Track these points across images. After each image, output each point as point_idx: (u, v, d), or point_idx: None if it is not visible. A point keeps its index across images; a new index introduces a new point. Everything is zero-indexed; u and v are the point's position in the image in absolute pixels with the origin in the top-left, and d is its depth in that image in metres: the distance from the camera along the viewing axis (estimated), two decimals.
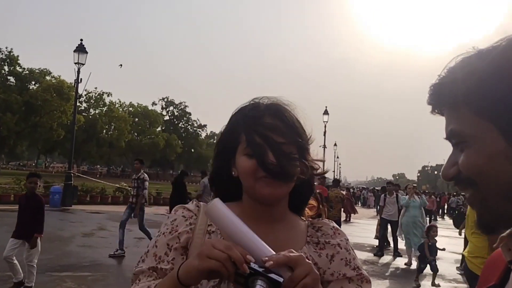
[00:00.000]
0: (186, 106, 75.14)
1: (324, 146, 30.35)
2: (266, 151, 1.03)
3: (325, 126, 28.60)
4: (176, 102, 74.99)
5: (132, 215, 8.86)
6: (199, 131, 77.01)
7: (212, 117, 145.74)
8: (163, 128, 69.03)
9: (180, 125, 75.17)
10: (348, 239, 1.17)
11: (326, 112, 27.95)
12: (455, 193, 32.55)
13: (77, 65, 18.10)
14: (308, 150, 1.13)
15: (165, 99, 74.43)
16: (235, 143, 1.10)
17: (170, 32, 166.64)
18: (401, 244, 10.78)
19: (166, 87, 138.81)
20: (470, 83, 0.67)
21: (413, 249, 9.54)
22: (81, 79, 18.41)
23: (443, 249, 8.33)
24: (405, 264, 9.91)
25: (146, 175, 9.29)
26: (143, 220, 9.05)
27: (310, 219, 1.21)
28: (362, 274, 1.12)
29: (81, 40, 18.19)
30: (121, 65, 42.93)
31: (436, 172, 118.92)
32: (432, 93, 0.74)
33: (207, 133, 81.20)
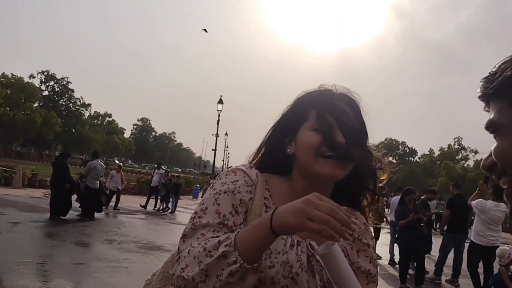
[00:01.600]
0: (69, 82, 69.65)
1: (217, 135, 30.52)
2: (336, 130, 1.05)
3: (218, 115, 28.73)
4: (58, 77, 69.19)
5: None
6: (82, 110, 71.96)
7: (98, 97, 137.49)
8: (41, 104, 63.11)
9: (61, 102, 69.54)
10: (374, 239, 1.23)
11: (220, 101, 28.05)
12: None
13: None
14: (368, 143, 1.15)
15: (45, 73, 68.16)
16: (300, 120, 1.11)
17: (56, 1, 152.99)
18: None
19: (47, 60, 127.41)
20: (508, 75, 0.71)
21: None
22: None
23: None
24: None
25: None
26: None
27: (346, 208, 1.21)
28: (377, 274, 1.20)
29: None
30: (205, 29, 34.89)
31: None
32: (481, 86, 0.77)
33: (90, 113, 76.30)
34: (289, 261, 1.01)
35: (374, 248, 1.23)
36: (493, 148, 0.73)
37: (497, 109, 0.74)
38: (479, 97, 0.78)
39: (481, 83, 0.77)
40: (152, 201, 17.12)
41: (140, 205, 16.80)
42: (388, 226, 11.65)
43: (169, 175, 18.39)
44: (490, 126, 0.75)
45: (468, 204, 7.91)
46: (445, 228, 8.84)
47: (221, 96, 28.23)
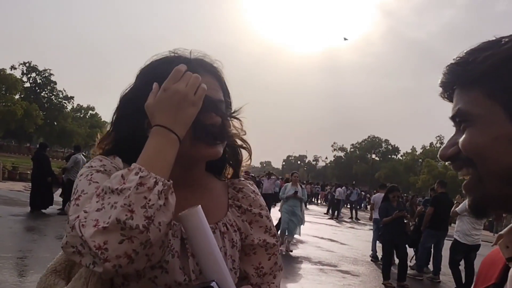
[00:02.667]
0: (51, 75, 68.36)
1: None
2: (208, 111, 0.96)
3: None
4: (40, 68, 67.91)
5: None
6: (65, 102, 70.69)
7: (81, 89, 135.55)
8: (22, 96, 61.93)
9: (43, 94, 68.31)
10: (266, 205, 1.14)
11: None
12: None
13: None
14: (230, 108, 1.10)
15: (27, 64, 66.84)
16: None
17: None
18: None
19: (29, 51, 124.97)
20: (487, 65, 0.68)
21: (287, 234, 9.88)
22: None
23: None
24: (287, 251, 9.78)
25: None
26: None
27: (230, 179, 1.15)
28: (278, 240, 1.13)
29: None
30: (346, 38, 35.42)
31: (299, 162, 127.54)
32: (446, 72, 0.75)
33: (73, 106, 75.15)
34: None
35: (269, 217, 1.14)
36: (462, 138, 0.71)
37: (469, 99, 0.71)
38: (442, 83, 0.76)
39: (446, 70, 0.75)
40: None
41: None
42: (371, 223, 11.78)
43: None
44: (459, 116, 0.73)
45: (453, 212, 8.08)
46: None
47: None
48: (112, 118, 1.05)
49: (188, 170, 1.03)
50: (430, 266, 9.04)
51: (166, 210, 0.82)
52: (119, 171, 0.85)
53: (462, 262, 7.85)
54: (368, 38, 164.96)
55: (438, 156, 0.77)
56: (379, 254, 9.39)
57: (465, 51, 0.73)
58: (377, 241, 9.88)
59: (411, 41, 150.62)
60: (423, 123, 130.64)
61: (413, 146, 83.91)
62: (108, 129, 1.08)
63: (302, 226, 10.27)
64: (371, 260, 10.13)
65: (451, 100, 0.76)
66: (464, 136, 0.71)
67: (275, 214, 11.34)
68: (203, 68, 1.01)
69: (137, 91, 1.00)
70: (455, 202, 8.27)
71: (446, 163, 0.77)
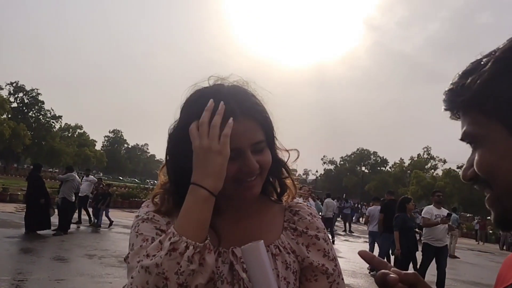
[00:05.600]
0: (38, 94, 67.97)
1: None
2: (248, 155, 0.98)
3: None
4: (27, 88, 67.46)
5: None
6: (53, 122, 70.32)
7: (69, 108, 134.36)
8: (9, 116, 61.35)
9: (30, 114, 67.78)
10: (325, 228, 1.14)
11: None
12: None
13: None
14: (275, 138, 1.09)
15: (14, 84, 66.40)
16: None
17: (24, 12, 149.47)
18: None
19: (16, 71, 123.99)
20: (476, 85, 0.70)
21: None
22: None
23: None
24: None
25: None
26: None
27: (287, 201, 1.16)
28: (339, 269, 1.10)
29: None
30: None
31: None
32: (445, 99, 0.77)
33: (61, 125, 74.70)
34: None
35: (327, 240, 1.11)
36: (475, 160, 0.72)
37: (470, 121, 0.73)
38: (446, 108, 0.77)
39: (446, 96, 0.76)
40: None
41: (72, 222, 12.83)
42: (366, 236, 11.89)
43: (103, 183, 16.37)
44: (466, 138, 0.75)
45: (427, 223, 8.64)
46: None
47: None
48: (166, 157, 1.08)
49: (244, 204, 1.08)
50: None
51: (203, 271, 0.86)
52: (158, 239, 0.91)
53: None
54: (355, 52, 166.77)
55: (461, 177, 0.79)
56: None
57: (457, 75, 0.75)
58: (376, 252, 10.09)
59: (397, 54, 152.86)
60: (411, 134, 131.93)
61: (401, 158, 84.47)
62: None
63: None
64: (369, 273, 10.20)
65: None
66: (476, 157, 0.72)
67: None
68: (239, 106, 0.99)
69: (180, 131, 1.02)
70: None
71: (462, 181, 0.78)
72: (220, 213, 1.00)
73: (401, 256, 8.22)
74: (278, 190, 1.15)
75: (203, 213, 0.90)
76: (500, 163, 0.68)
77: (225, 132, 0.93)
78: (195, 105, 1.00)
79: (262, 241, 0.94)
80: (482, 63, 0.71)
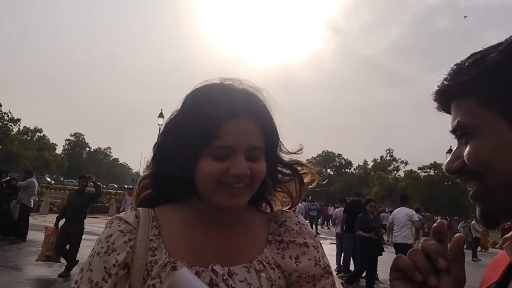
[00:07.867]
0: None
1: None
2: (239, 157, 0.91)
3: (159, 129, 28.16)
4: None
5: None
6: (11, 125, 67.83)
7: (28, 111, 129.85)
8: None
9: None
10: (316, 235, 1.06)
11: (161, 115, 27.61)
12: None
13: None
14: (279, 148, 1.04)
15: None
16: (208, 137, 0.91)
17: None
18: None
19: None
20: (477, 71, 0.68)
21: None
22: None
23: None
24: None
25: None
26: None
27: (273, 212, 1.08)
28: (329, 271, 1.04)
29: None
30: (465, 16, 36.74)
31: None
32: (439, 87, 0.74)
33: (19, 128, 72.17)
34: None
35: (317, 247, 1.03)
36: (466, 151, 0.70)
37: (467, 110, 0.70)
38: (437, 97, 0.75)
39: (440, 84, 0.74)
40: None
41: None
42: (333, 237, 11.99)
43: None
44: (460, 129, 0.71)
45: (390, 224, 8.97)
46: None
47: (161, 110, 27.83)
48: (153, 150, 1.01)
49: (224, 211, 0.98)
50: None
51: None
52: (105, 283, 0.90)
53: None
54: (320, 54, 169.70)
55: (444, 170, 0.76)
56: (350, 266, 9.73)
57: (453, 64, 0.73)
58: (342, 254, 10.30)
59: (361, 57, 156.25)
60: (374, 137, 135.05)
61: (365, 160, 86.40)
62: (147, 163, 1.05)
63: None
64: (337, 274, 10.27)
65: (448, 112, 0.75)
66: (468, 148, 0.70)
67: None
68: (243, 105, 0.94)
69: (187, 121, 0.94)
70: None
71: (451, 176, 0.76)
72: (199, 226, 0.96)
73: (363, 257, 8.36)
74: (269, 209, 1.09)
75: None
76: (497, 156, 0.66)
77: None
78: (202, 96, 0.95)
79: (185, 267, 0.90)
80: (485, 54, 0.69)
